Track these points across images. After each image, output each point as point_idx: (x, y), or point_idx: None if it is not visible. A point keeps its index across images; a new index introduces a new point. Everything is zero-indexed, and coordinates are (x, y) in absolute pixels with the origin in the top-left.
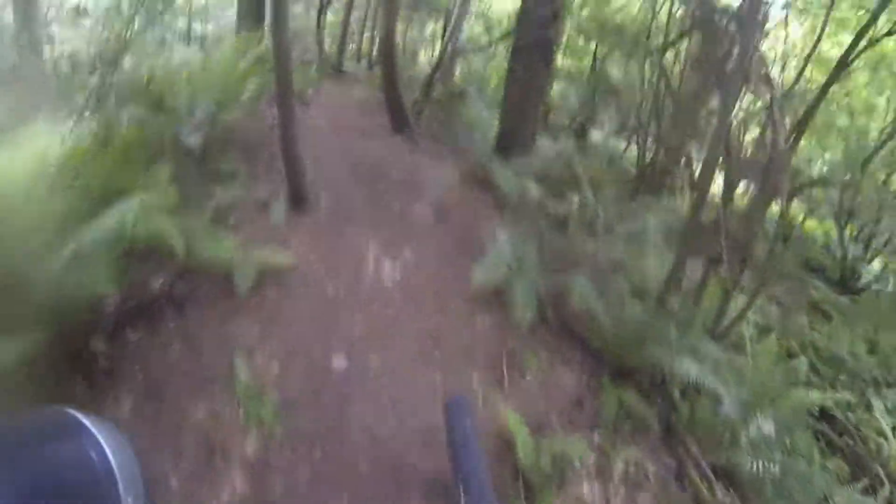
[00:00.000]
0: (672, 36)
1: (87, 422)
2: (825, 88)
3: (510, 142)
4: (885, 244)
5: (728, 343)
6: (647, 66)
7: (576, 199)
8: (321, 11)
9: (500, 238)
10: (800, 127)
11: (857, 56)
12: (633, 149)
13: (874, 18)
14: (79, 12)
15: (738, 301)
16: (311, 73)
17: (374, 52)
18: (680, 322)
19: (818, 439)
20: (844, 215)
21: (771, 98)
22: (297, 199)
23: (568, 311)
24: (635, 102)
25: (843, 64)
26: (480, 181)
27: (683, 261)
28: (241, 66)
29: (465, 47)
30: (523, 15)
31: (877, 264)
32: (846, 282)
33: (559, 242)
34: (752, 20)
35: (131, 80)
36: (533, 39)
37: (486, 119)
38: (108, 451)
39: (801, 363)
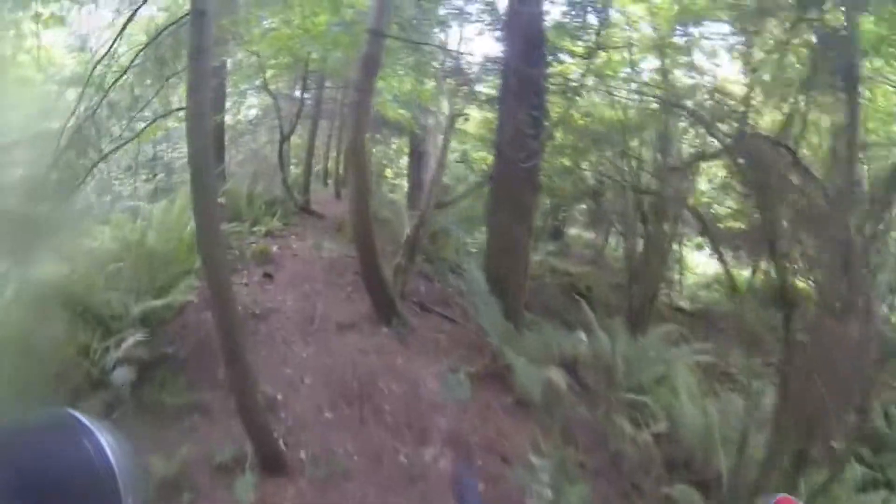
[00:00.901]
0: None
1: (87, 422)
2: None
3: (503, 288)
4: None
5: None
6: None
7: (583, 336)
8: (282, 142)
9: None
10: None
11: None
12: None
13: None
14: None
15: None
16: (275, 219)
17: (341, 171)
18: None
19: None
20: None
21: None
22: (269, 463)
23: None
24: (616, 202)
25: None
26: (494, 374)
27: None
28: (189, 230)
29: (448, 198)
30: (500, 156)
31: None
32: None
33: (593, 425)
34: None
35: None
36: (514, 175)
37: (476, 256)
38: (108, 450)
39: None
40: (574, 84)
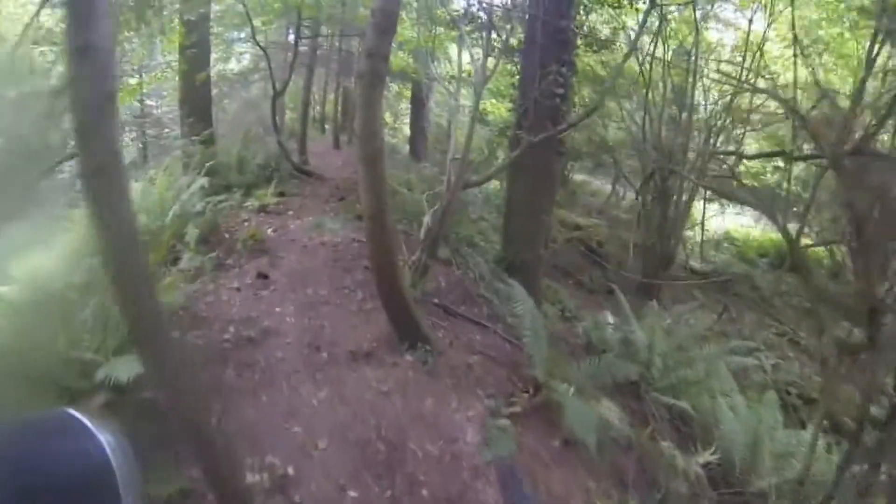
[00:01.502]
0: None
1: (88, 423)
2: None
3: (521, 259)
4: None
5: None
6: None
7: (610, 317)
8: (275, 98)
9: None
10: None
11: None
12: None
13: None
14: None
15: None
16: (270, 189)
17: (338, 115)
18: None
19: None
20: None
21: None
22: None
23: None
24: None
25: None
26: (537, 409)
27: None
28: (173, 214)
29: (474, 176)
30: (523, 117)
31: None
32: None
33: (639, 451)
34: None
35: None
36: (539, 137)
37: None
38: (108, 451)
39: None
40: (604, 38)
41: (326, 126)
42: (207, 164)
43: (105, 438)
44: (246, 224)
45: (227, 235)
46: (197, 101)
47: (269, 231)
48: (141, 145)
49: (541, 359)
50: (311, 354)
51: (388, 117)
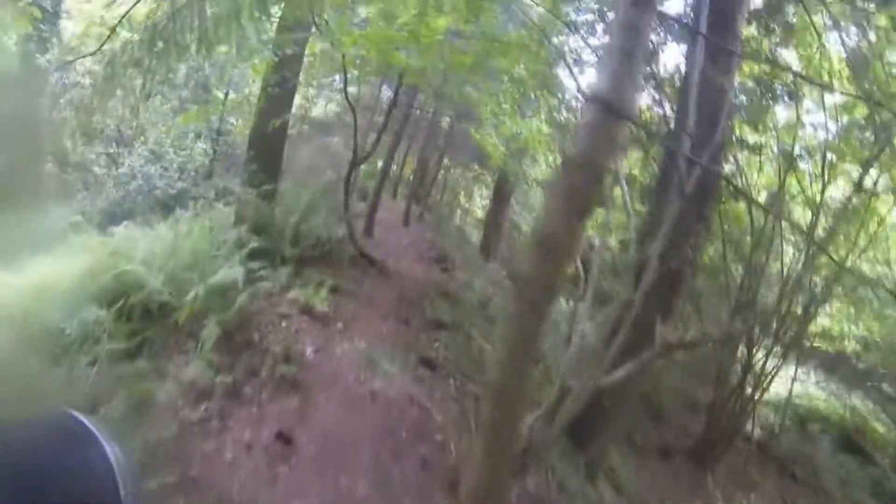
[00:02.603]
0: None
1: (88, 424)
2: None
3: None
4: None
5: None
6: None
7: None
8: (352, 169)
9: None
10: None
11: None
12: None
13: None
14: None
15: None
16: (321, 290)
17: (412, 179)
18: None
19: None
20: None
21: None
22: None
23: None
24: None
25: None
26: None
27: None
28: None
29: (605, 373)
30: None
31: None
32: None
33: None
34: None
35: None
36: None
37: None
38: (108, 452)
39: None
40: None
41: (399, 189)
42: (258, 227)
43: (109, 447)
44: (284, 326)
45: (256, 337)
46: (267, 148)
47: (309, 351)
48: (209, 161)
49: None
50: None
51: (462, 198)
